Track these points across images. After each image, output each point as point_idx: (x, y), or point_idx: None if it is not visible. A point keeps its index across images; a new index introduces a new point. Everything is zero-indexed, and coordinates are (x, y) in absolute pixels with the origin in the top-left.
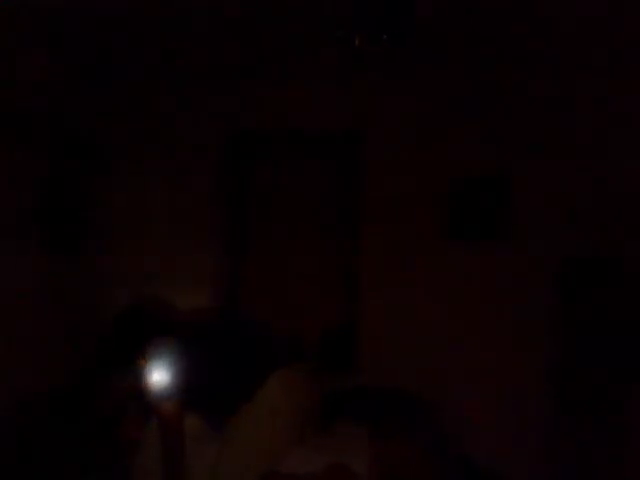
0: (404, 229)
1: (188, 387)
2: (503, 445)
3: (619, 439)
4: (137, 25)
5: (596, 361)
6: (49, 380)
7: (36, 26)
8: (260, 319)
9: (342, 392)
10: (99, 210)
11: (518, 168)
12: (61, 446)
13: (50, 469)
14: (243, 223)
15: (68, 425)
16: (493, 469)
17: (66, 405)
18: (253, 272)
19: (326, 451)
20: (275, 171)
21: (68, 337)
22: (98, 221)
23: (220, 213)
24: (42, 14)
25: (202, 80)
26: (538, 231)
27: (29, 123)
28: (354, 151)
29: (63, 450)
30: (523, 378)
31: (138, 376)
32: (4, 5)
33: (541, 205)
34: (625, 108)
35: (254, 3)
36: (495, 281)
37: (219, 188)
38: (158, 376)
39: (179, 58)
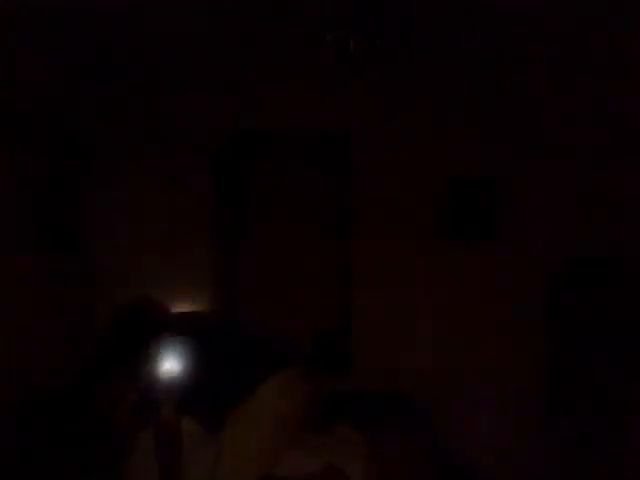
0: (402, 229)
1: (186, 388)
2: (503, 445)
3: (619, 439)
4: (137, 25)
5: (596, 361)
6: (49, 380)
7: (36, 26)
8: (258, 319)
9: (339, 393)
10: (99, 210)
11: (518, 168)
12: (61, 446)
13: (50, 469)
14: (242, 223)
15: (68, 425)
16: (491, 470)
17: (66, 405)
18: (251, 272)
19: (322, 453)
20: (274, 171)
21: (68, 337)
22: (98, 221)
23: (219, 213)
24: (42, 14)
25: (202, 80)
26: (538, 231)
27: (29, 123)
28: (353, 151)
29: (63, 450)
30: (522, 378)
31: (137, 376)
32: (4, 5)
33: (541, 205)
34: (625, 108)
35: (254, 3)
36: (494, 281)
37: (219, 188)
38: (157, 376)
39: (179, 58)
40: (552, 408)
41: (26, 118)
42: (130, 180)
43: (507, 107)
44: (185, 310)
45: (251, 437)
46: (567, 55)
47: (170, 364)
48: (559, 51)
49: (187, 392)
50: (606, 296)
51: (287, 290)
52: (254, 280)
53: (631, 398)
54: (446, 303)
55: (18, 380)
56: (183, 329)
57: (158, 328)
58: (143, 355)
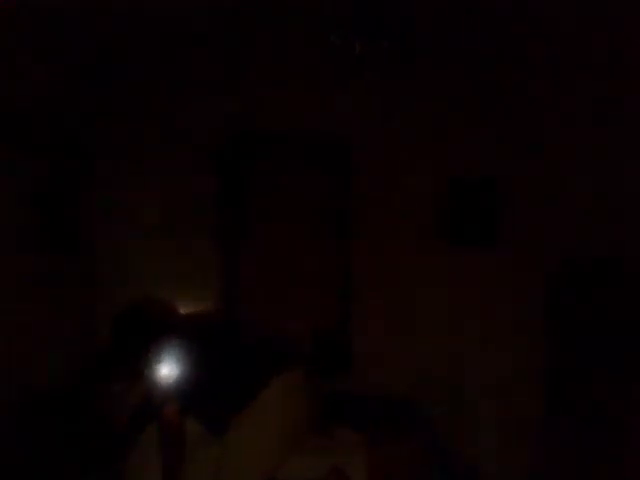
0: (402, 229)
1: (189, 390)
2: (503, 445)
3: (619, 439)
4: (137, 25)
5: (596, 361)
6: (49, 380)
7: (36, 26)
8: (258, 319)
9: (339, 394)
10: (99, 210)
11: (518, 168)
12: (61, 446)
13: (50, 469)
14: (242, 223)
15: (68, 425)
16: (491, 470)
17: (66, 405)
18: (251, 272)
19: (324, 455)
20: (274, 171)
21: (68, 337)
22: (98, 221)
23: (219, 213)
24: (42, 14)
25: (202, 80)
26: (538, 231)
27: (29, 123)
28: (353, 151)
29: (63, 450)
30: (522, 378)
31: (140, 377)
32: (4, 5)
33: (541, 205)
34: (625, 108)
35: (254, 3)
36: (494, 281)
37: (219, 188)
38: (159, 377)
39: (179, 58)
40: (552, 408)
41: (26, 118)
42: (130, 180)
43: (507, 107)
44: (188, 310)
45: (255, 440)
46: (567, 55)
47: (173, 365)
48: (559, 51)
49: (190, 393)
50: (606, 296)
51: (287, 290)
52: (254, 280)
53: (631, 398)
54: (446, 303)
55: (18, 380)
56: (186, 330)
57: (162, 329)
58: (146, 356)
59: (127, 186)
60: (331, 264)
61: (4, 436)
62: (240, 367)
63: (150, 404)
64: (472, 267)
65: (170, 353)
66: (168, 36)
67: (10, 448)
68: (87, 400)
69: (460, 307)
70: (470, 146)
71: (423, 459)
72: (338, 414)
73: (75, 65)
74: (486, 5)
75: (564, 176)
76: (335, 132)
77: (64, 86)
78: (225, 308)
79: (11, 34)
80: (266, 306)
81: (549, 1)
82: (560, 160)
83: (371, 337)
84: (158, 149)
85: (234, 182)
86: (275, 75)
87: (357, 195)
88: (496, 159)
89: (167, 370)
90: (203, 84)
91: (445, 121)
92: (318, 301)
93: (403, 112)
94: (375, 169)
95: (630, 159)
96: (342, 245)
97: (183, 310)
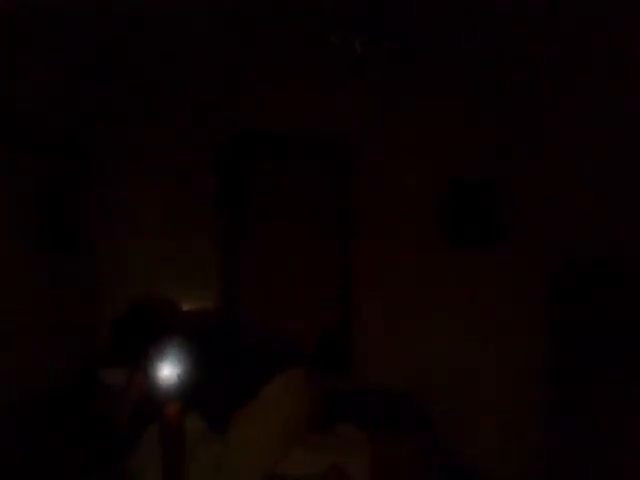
0: (402, 229)
1: (190, 387)
2: (503, 445)
3: (619, 439)
4: (137, 25)
5: (596, 361)
6: (49, 380)
7: (36, 26)
8: (258, 319)
9: (340, 393)
10: (99, 210)
11: (518, 168)
12: (61, 446)
13: (50, 469)
14: (242, 223)
15: (68, 425)
16: (491, 470)
17: (66, 405)
18: (251, 272)
19: (325, 452)
20: (274, 171)
21: (68, 337)
22: (98, 221)
23: (219, 213)
24: (42, 14)
25: (202, 80)
26: (538, 231)
27: (29, 123)
28: (353, 151)
29: (63, 450)
30: (522, 378)
31: (142, 374)
32: (4, 5)
33: (541, 205)
34: (625, 108)
35: (254, 3)
36: (494, 281)
37: (219, 188)
38: (161, 375)
39: (179, 58)
40: (552, 408)
41: (26, 118)
42: (130, 180)
43: (507, 107)
44: (190, 308)
45: (256, 437)
46: (567, 55)
47: (174, 364)
48: (559, 51)
49: (191, 392)
50: (606, 296)
51: (287, 290)
52: (254, 280)
53: (631, 398)
54: (446, 303)
55: (18, 380)
56: (187, 329)
57: (163, 328)
58: (147, 355)
59: (127, 186)
60: (331, 264)
61: (4, 436)
62: (241, 366)
63: (151, 403)
64: (472, 267)
65: (171, 352)
66: (168, 36)
67: (10, 448)
68: (87, 400)
69: (460, 307)
70: (470, 146)
71: (423, 458)
72: (339, 412)
73: (75, 65)
74: (486, 5)
75: (564, 176)
76: (335, 132)
77: (64, 86)
78: (225, 308)
79: (11, 34)
80: (266, 306)
81: (549, 1)
82: (560, 160)
83: (371, 337)
84: (158, 149)
85: (234, 182)
86: (275, 75)
87: (357, 195)
88: (496, 159)
89: (168, 369)
90: (203, 84)
91: (445, 121)
92: (318, 301)
93: (403, 112)
94: (375, 169)
95: (630, 159)
96: (342, 245)
97: (184, 309)
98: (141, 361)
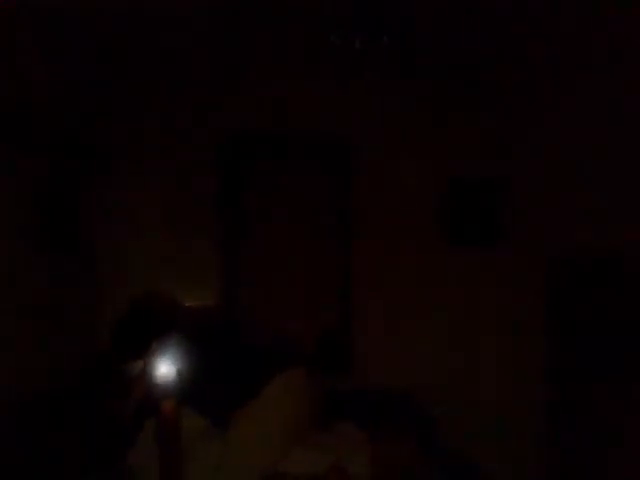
0: (402, 229)
1: (190, 386)
2: (503, 445)
3: (619, 439)
4: (137, 25)
5: (596, 361)
6: (49, 380)
7: (36, 26)
8: (258, 320)
9: (340, 392)
10: (99, 210)
11: (518, 168)
12: (61, 446)
13: (50, 469)
14: (242, 223)
15: (68, 425)
16: (491, 470)
17: (67, 405)
18: (251, 272)
19: (325, 451)
20: (274, 171)
21: (68, 337)
22: (98, 221)
23: (219, 213)
24: (42, 14)
25: (202, 80)
26: (538, 231)
27: (29, 123)
28: (353, 151)
29: (63, 450)
30: (523, 378)
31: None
32: (4, 5)
33: (541, 205)
34: (625, 108)
35: (254, 3)
36: (494, 281)
37: (219, 188)
38: (161, 373)
39: (179, 58)
40: (552, 408)
41: (26, 118)
42: (130, 180)
43: (507, 107)
44: (189, 308)
45: (256, 436)
46: (567, 55)
47: (173, 362)
48: (559, 51)
49: (192, 390)
50: (606, 296)
51: (287, 290)
52: (254, 280)
53: (631, 398)
54: (446, 303)
55: (18, 380)
56: (189, 327)
57: (165, 324)
58: (147, 352)
59: (127, 186)
60: (331, 264)
61: (4, 436)
62: (241, 365)
63: (151, 400)
64: (472, 267)
65: (171, 349)
66: (168, 36)
67: (10, 448)
68: (90, 398)
69: (460, 307)
70: (470, 146)
71: (423, 458)
72: (339, 412)
73: (75, 65)
74: (486, 5)
75: (564, 176)
76: (335, 132)
77: (64, 86)
78: (225, 308)
79: (11, 34)
80: (266, 306)
81: (549, 1)
82: (560, 160)
83: (371, 337)
84: (158, 149)
85: (234, 182)
86: (275, 75)
87: (357, 195)
88: (496, 159)
89: (167, 366)
90: (203, 84)
91: (445, 121)
92: (318, 301)
93: (403, 112)
94: (375, 169)
95: (630, 159)
96: (342, 245)
97: (185, 308)
98: (145, 357)
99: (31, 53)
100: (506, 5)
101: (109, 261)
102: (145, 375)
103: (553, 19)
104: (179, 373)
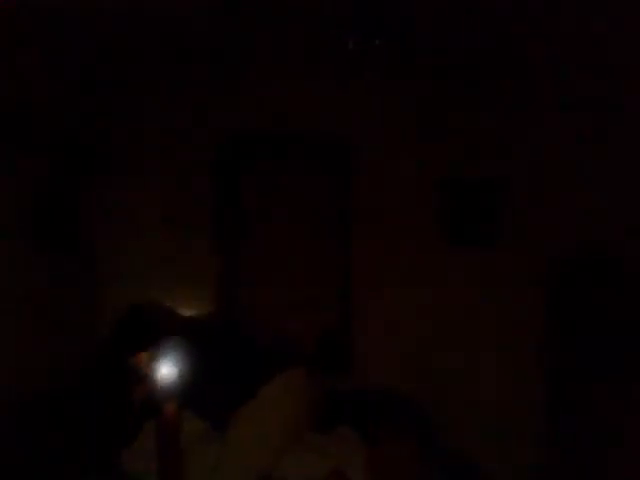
0: (402, 229)
1: (189, 388)
2: (503, 445)
3: (619, 439)
4: (137, 25)
5: (596, 361)
6: (49, 380)
7: (36, 26)
8: (258, 319)
9: (339, 393)
10: (99, 210)
11: (518, 168)
12: (61, 446)
13: (50, 469)
14: (242, 223)
15: (68, 425)
16: (491, 470)
17: (67, 405)
18: (251, 272)
19: (324, 454)
20: (274, 171)
21: (68, 337)
22: (98, 221)
23: (219, 213)
24: (42, 14)
25: (202, 80)
26: (538, 231)
27: (29, 123)
28: (353, 151)
29: (63, 450)
30: (523, 378)
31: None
32: (4, 5)
33: (541, 205)
34: (625, 108)
35: (254, 3)
36: (494, 281)
37: (218, 188)
38: (163, 375)
39: (179, 58)
40: (552, 408)
41: (26, 118)
42: (130, 180)
43: (507, 107)
44: (187, 314)
45: (255, 436)
46: (567, 55)
47: (172, 365)
48: (559, 51)
49: (191, 392)
50: (606, 296)
51: (287, 290)
52: (254, 280)
53: (631, 398)
54: (446, 303)
55: (18, 380)
56: (185, 330)
57: (162, 330)
58: (145, 357)
59: (127, 186)
60: (331, 264)
61: (4, 436)
62: (240, 366)
63: (151, 401)
64: (472, 267)
65: (171, 354)
66: (168, 36)
67: (10, 448)
68: (90, 398)
69: (460, 307)
70: (470, 146)
71: (423, 458)
72: (339, 413)
73: (75, 65)
74: (486, 5)
75: (564, 176)
76: (335, 132)
77: (64, 86)
78: (225, 308)
79: (11, 34)
80: (266, 306)
81: (549, 1)
82: (560, 160)
83: (371, 337)
84: (158, 149)
85: (234, 182)
86: (275, 75)
87: (357, 195)
88: (496, 159)
89: (168, 370)
90: (203, 84)
91: (445, 121)
92: (318, 301)
93: (403, 112)
94: (375, 169)
95: (630, 159)
96: (342, 245)
97: (183, 312)
98: (142, 363)
99: (31, 53)
100: (506, 5)
101: (109, 261)
102: (146, 375)
103: (553, 19)
104: (180, 375)
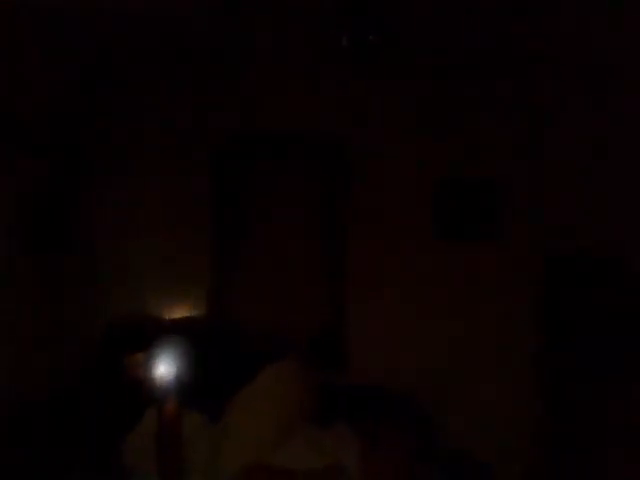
0: (401, 229)
1: (188, 384)
2: (503, 445)
3: (619, 439)
4: (137, 25)
5: (596, 361)
6: (49, 380)
7: (36, 26)
8: (256, 319)
9: (339, 394)
10: (99, 210)
11: (517, 168)
12: (60, 446)
13: (50, 469)
14: (241, 223)
15: (68, 425)
16: (491, 469)
17: (67, 405)
18: (250, 272)
19: (321, 448)
20: (274, 171)
21: (68, 337)
22: (98, 221)
23: (219, 213)
24: (42, 14)
25: (202, 80)
26: (538, 231)
27: (29, 123)
28: (352, 151)
29: (62, 450)
30: (522, 378)
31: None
32: (4, 5)
33: (540, 205)
34: (625, 108)
35: (254, 3)
36: (494, 281)
37: (218, 188)
38: (160, 373)
39: (179, 58)
40: (552, 408)
41: (26, 118)
42: (130, 180)
43: (506, 107)
44: (179, 316)
45: (250, 423)
46: (567, 55)
47: (170, 363)
48: (559, 51)
49: (189, 387)
50: (606, 296)
51: (285, 290)
52: (253, 279)
53: (631, 398)
54: (445, 303)
55: (18, 380)
56: (180, 331)
57: (155, 333)
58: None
59: (127, 186)
60: (331, 264)
61: (4, 436)
62: (236, 360)
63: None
64: (472, 267)
65: (168, 352)
66: (168, 36)
67: (10, 448)
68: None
69: (460, 307)
70: (470, 146)
71: (422, 458)
72: (338, 413)
73: (75, 65)
74: (486, 5)
75: (564, 176)
76: (335, 132)
77: (64, 86)
78: (223, 307)
79: (11, 34)
80: (264, 305)
81: (549, 1)
82: (560, 160)
83: (371, 337)
84: (158, 149)
85: (233, 182)
86: (275, 75)
87: (356, 195)
88: (496, 159)
89: (166, 368)
90: (203, 84)
91: (445, 121)
92: (317, 301)
93: (403, 112)
94: (375, 169)
95: (630, 159)
96: (341, 245)
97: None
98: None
99: (31, 53)
100: (506, 5)
101: (109, 261)
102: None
103: (553, 19)
104: (177, 372)
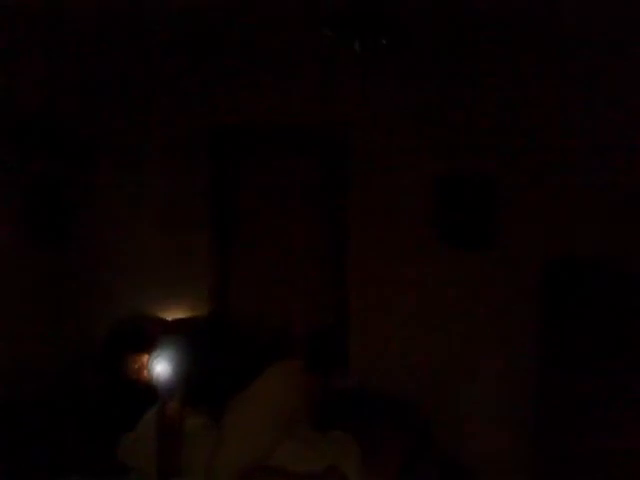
0: (401, 229)
1: (188, 384)
2: (501, 446)
3: (619, 439)
4: (137, 25)
5: (596, 361)
6: (49, 380)
7: (36, 26)
8: (255, 318)
9: (338, 394)
10: (99, 210)
11: (517, 168)
12: (59, 446)
13: (49, 469)
14: (239, 221)
15: (69, 425)
16: (491, 470)
17: (67, 405)
18: (248, 270)
19: (317, 450)
20: (273, 168)
21: (68, 337)
22: (98, 220)
23: (217, 210)
24: (42, 14)
25: (202, 79)
26: (537, 231)
27: (29, 122)
28: (352, 149)
29: (61, 450)
30: (522, 379)
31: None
32: (4, 5)
33: (540, 205)
34: (625, 108)
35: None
36: (494, 281)
37: (216, 185)
38: (161, 373)
39: (179, 56)
40: (552, 408)
41: (26, 117)
42: (130, 179)
43: (507, 107)
44: (180, 317)
45: (250, 424)
46: (567, 55)
47: (171, 363)
48: (559, 51)
49: (190, 387)
50: (606, 296)
51: (284, 289)
52: (252, 278)
53: (631, 396)
54: (445, 303)
55: (18, 380)
56: (181, 332)
57: (156, 333)
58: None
59: (127, 186)
60: (330, 264)
61: (4, 436)
62: (235, 360)
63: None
64: (471, 267)
65: (167, 353)
66: (168, 36)
67: (10, 448)
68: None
69: (459, 307)
70: (470, 145)
71: (420, 460)
72: (337, 413)
73: (75, 65)
74: (486, 5)
75: (564, 176)
76: (335, 130)
77: (64, 86)
78: (222, 306)
79: (11, 34)
80: (263, 304)
81: (547, 1)
82: (560, 160)
83: (371, 337)
84: (158, 148)
85: (232, 179)
86: (274, 73)
87: (356, 194)
88: (496, 159)
89: (166, 368)
90: (202, 83)
91: (445, 121)
92: (317, 300)
93: (403, 111)
94: (375, 168)
95: (630, 159)
96: (341, 244)
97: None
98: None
99: (31, 53)
100: (507, 5)
101: (109, 261)
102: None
103: (552, 19)
104: (178, 373)
